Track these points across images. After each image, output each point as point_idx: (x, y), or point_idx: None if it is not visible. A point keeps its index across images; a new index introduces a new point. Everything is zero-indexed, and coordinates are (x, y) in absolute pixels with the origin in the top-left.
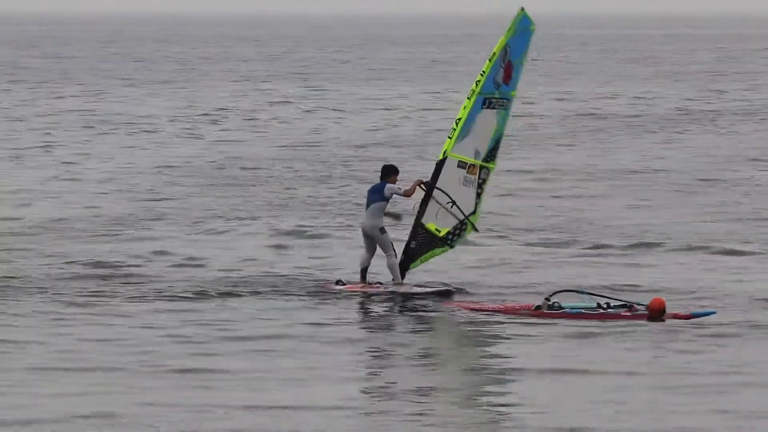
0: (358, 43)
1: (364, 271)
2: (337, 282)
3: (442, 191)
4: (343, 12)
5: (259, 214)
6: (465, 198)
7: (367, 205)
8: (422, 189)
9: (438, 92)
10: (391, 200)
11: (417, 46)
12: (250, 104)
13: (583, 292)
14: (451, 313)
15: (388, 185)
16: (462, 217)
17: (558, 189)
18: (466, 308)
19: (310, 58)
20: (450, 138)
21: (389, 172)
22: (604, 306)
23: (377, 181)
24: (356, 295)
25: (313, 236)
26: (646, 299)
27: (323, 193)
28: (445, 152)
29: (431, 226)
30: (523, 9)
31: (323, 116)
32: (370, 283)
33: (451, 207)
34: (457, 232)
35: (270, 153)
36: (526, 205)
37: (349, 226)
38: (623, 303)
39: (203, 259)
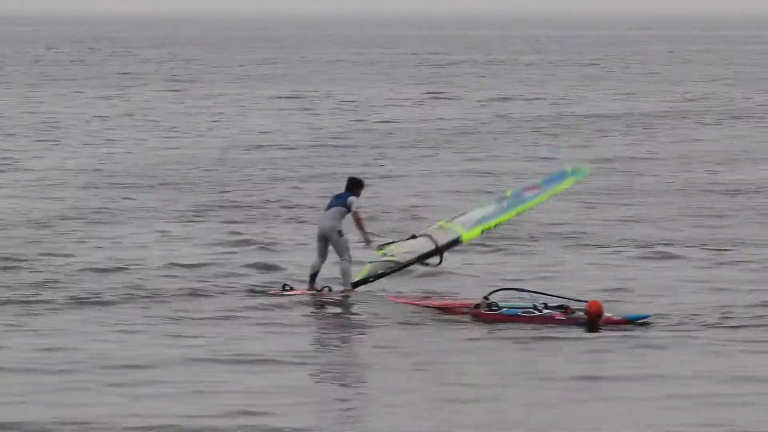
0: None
1: (313, 276)
2: (283, 287)
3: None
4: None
5: (200, 217)
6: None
7: (328, 208)
8: (367, 241)
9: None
10: (344, 216)
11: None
12: (184, 107)
13: (522, 290)
14: (393, 308)
15: (352, 198)
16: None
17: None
18: (407, 303)
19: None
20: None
21: (355, 185)
22: (541, 307)
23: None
24: (303, 301)
25: (251, 241)
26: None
27: (263, 196)
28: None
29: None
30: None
31: (258, 118)
32: (318, 289)
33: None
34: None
35: (208, 155)
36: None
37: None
38: (560, 304)
39: (128, 261)
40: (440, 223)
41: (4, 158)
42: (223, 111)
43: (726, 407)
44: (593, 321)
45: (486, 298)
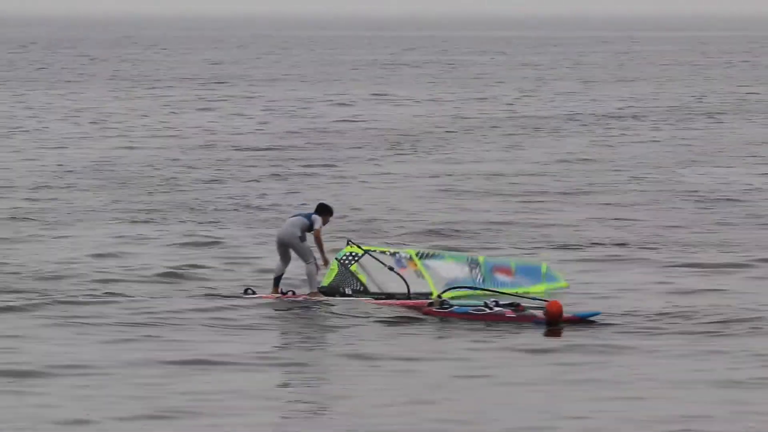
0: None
1: (277, 280)
2: (246, 290)
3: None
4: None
5: (153, 218)
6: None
7: (290, 217)
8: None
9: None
10: (304, 229)
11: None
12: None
13: (476, 289)
14: (356, 308)
15: (316, 216)
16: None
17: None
18: (367, 301)
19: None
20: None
21: (323, 211)
22: (492, 305)
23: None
24: (267, 304)
25: (205, 242)
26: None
27: (215, 196)
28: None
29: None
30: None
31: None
32: (283, 293)
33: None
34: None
35: (159, 155)
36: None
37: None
38: (511, 302)
39: (77, 261)
40: (411, 253)
41: None
42: (176, 111)
43: (672, 405)
44: (554, 321)
45: (439, 296)
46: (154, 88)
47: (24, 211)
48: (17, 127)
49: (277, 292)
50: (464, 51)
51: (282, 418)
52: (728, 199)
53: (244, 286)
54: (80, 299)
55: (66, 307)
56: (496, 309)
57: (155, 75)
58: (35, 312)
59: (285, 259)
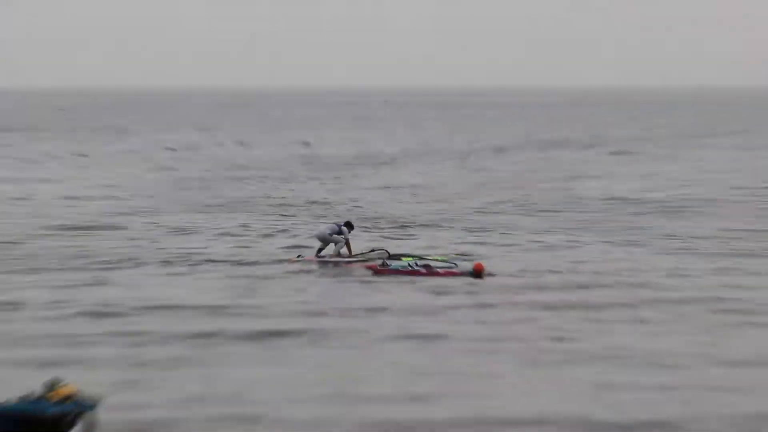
0: None
1: (318, 251)
2: (298, 256)
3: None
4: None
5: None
6: None
7: (325, 224)
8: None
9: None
10: (335, 235)
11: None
12: None
13: (414, 256)
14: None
15: (345, 228)
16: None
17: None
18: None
19: None
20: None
21: (349, 225)
22: (413, 264)
23: None
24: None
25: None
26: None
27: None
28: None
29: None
30: None
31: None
32: (321, 256)
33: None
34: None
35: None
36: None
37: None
38: (427, 264)
39: None
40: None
41: None
42: None
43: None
44: (478, 275)
45: (384, 261)
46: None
47: None
48: None
49: (317, 257)
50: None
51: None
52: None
53: (299, 252)
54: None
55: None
56: (432, 263)
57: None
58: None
59: (322, 244)
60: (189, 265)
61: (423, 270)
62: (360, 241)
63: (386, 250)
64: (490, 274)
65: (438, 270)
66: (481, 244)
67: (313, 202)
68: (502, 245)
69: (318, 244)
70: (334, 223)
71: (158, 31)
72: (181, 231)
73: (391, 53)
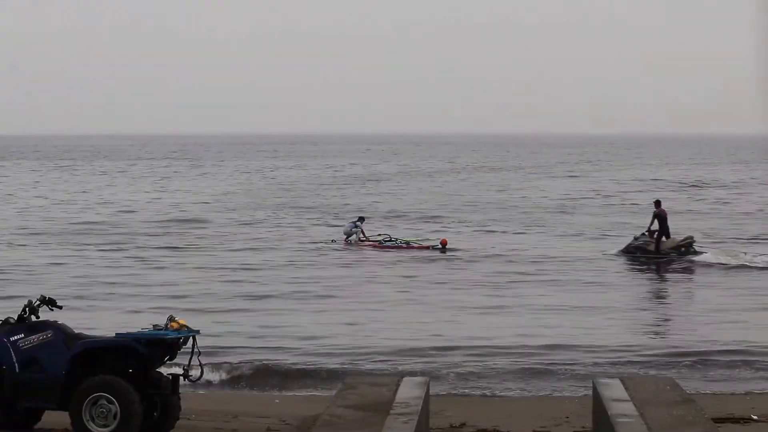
0: None
1: (347, 237)
2: (332, 240)
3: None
4: None
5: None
6: None
7: (349, 221)
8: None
9: None
10: (353, 229)
11: None
12: None
13: (397, 239)
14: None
15: (359, 222)
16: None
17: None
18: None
19: None
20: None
21: (361, 219)
22: (384, 240)
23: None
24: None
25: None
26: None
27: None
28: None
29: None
30: None
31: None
32: (350, 243)
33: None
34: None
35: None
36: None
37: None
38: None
39: None
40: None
41: None
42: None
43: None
44: (443, 248)
45: (381, 241)
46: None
47: None
48: None
49: (346, 243)
50: None
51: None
52: None
53: (332, 239)
54: None
55: None
56: (408, 243)
57: None
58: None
59: (348, 234)
60: None
61: (405, 245)
62: (375, 228)
63: (388, 234)
64: (452, 248)
65: (415, 245)
66: (445, 230)
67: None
68: (456, 231)
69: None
70: (352, 222)
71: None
72: None
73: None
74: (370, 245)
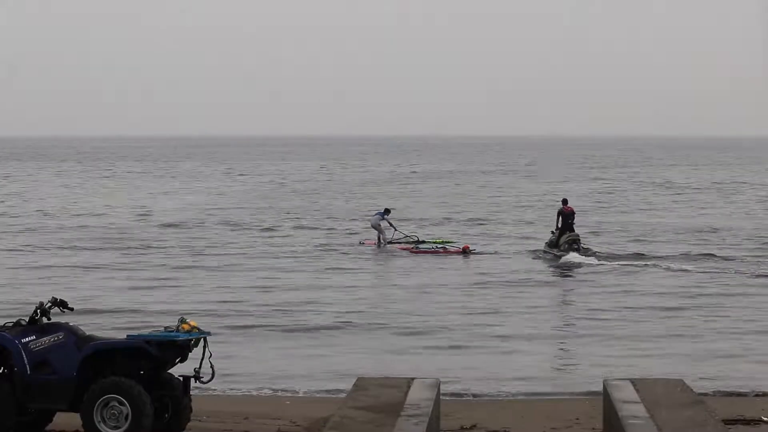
0: None
1: (379, 238)
2: (360, 242)
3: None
4: None
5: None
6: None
7: (374, 215)
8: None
9: None
10: (381, 222)
11: None
12: None
13: (423, 242)
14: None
15: (386, 216)
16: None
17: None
18: (401, 249)
19: None
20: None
21: (387, 210)
22: (441, 246)
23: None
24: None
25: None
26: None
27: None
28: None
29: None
30: None
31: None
32: (380, 245)
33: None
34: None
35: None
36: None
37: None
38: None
39: None
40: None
41: None
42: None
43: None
44: (465, 252)
45: (416, 244)
46: None
47: None
48: None
49: (378, 246)
50: None
51: None
52: None
53: (360, 239)
54: None
55: None
56: (436, 247)
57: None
58: None
59: (376, 230)
60: None
61: (442, 250)
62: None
63: (416, 236)
64: (474, 252)
65: (451, 248)
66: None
67: None
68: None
69: (374, 231)
70: (379, 213)
71: None
72: None
73: None
74: (402, 248)
